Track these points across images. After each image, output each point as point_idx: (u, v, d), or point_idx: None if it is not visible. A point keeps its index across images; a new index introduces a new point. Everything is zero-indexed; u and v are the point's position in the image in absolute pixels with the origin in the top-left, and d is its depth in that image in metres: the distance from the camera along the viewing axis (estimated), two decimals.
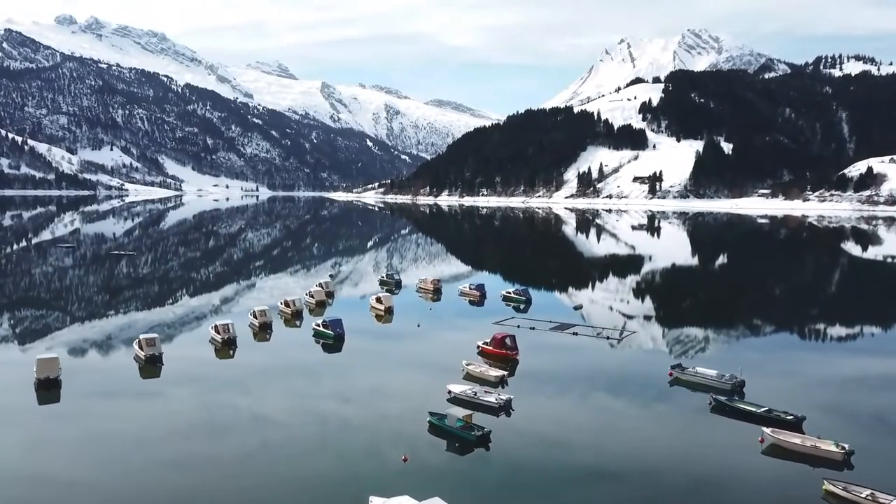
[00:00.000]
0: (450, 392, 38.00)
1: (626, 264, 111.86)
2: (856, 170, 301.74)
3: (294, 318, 61.15)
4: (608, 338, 53.72)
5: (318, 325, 54.67)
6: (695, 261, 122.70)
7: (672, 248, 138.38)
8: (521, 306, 69.09)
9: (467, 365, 43.89)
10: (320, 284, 74.62)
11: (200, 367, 44.99)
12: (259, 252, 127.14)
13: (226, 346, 49.17)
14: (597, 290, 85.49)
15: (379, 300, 66.12)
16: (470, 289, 76.72)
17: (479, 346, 49.15)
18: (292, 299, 63.52)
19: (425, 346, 53.67)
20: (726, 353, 51.17)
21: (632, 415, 36.01)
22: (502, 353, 47.48)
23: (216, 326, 51.27)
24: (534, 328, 56.90)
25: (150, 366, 43.33)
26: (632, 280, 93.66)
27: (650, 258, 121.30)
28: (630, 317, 64.88)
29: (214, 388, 39.93)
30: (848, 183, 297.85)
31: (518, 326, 56.79)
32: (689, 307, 76.06)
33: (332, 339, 52.19)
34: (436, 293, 76.47)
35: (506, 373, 42.74)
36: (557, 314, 62.35)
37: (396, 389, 40.05)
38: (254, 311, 57.35)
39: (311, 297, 68.80)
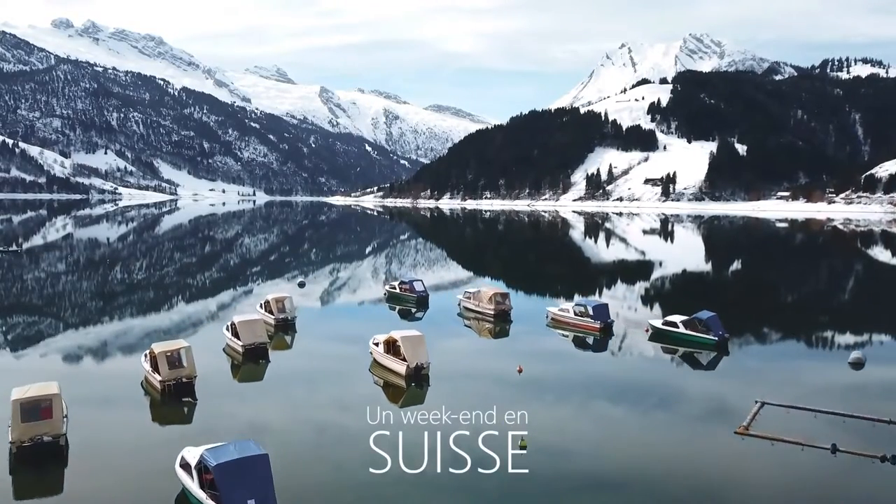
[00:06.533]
0: None
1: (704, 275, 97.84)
2: (884, 170, 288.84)
3: (171, 395, 26.67)
4: None
5: (186, 467, 19.05)
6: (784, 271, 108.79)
7: (720, 255, 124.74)
8: (709, 356, 34.76)
9: None
10: (266, 304, 40.14)
11: None
12: (246, 259, 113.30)
13: None
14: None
15: (393, 347, 29.69)
16: (576, 314, 40.05)
17: None
18: (173, 349, 27.33)
19: None
20: None
21: None
22: None
23: None
24: None
25: None
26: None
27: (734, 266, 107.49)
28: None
29: None
30: (877, 184, 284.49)
31: (837, 453, 21.68)
32: None
33: None
34: (500, 318, 42.07)
35: None
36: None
37: None
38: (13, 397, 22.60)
39: (237, 336, 32.32)
